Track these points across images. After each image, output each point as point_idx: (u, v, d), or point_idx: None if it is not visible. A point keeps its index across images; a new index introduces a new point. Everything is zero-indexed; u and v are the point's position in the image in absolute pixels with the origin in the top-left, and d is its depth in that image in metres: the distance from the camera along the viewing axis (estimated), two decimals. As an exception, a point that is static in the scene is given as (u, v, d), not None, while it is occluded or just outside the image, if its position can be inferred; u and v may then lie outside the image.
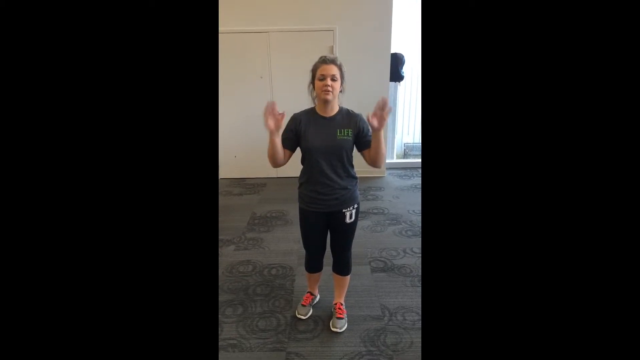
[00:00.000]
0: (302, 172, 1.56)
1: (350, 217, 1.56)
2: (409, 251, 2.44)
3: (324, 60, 1.41)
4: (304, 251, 1.72)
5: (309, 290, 1.87)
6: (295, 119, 1.51)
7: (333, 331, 1.69)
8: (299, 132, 1.49)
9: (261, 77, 3.83)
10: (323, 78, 1.40)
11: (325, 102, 1.44)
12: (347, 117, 1.51)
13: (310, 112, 1.51)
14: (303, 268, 1.81)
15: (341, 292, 1.79)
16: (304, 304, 1.82)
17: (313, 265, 1.73)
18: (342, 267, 1.70)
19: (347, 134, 1.48)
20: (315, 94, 1.47)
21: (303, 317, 1.78)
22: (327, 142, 1.47)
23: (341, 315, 1.73)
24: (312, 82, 1.46)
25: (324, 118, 1.48)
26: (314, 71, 1.44)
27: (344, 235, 1.61)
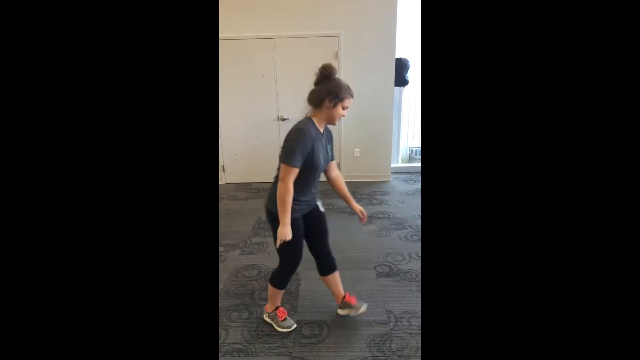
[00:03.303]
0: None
1: (322, 207, 1.69)
2: (415, 256, 2.42)
3: (351, 94, 1.48)
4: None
5: (280, 305, 1.80)
6: (310, 137, 1.43)
7: (358, 315, 1.75)
8: (312, 150, 1.45)
9: (262, 75, 3.85)
10: (345, 108, 1.48)
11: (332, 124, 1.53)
12: (329, 134, 1.61)
13: (313, 126, 1.47)
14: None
15: (340, 285, 1.80)
16: (283, 318, 1.77)
17: (290, 278, 1.71)
18: (331, 263, 1.73)
19: (331, 150, 1.61)
20: (327, 111, 1.46)
21: (292, 328, 1.75)
22: (326, 160, 1.55)
23: (355, 300, 1.78)
24: (332, 100, 1.43)
25: (320, 133, 1.51)
26: (340, 97, 1.43)
27: (324, 225, 1.68)
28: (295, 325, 1.76)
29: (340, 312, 1.83)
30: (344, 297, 1.79)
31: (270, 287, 1.72)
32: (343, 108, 1.46)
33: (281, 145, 1.47)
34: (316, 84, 1.48)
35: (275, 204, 1.48)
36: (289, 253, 1.60)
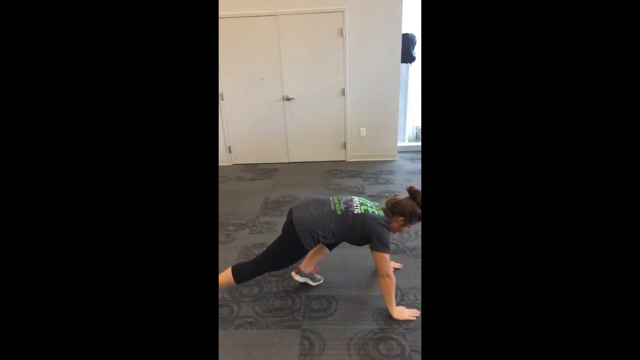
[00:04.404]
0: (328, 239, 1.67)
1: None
2: (420, 234, 2.45)
3: (419, 220, 1.68)
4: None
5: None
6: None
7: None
8: None
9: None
10: (409, 228, 1.73)
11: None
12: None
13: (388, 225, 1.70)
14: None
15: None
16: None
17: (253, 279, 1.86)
18: None
19: None
20: (395, 223, 1.69)
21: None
22: None
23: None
24: (404, 220, 1.65)
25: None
26: (410, 221, 1.66)
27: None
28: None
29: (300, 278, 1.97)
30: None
31: (230, 275, 1.67)
32: (407, 227, 1.70)
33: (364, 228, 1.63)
34: (401, 199, 1.70)
35: (307, 231, 1.60)
36: (279, 261, 1.69)
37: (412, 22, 3.96)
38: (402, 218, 1.65)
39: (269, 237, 2.50)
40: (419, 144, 4.49)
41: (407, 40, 3.94)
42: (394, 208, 1.67)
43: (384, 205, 1.73)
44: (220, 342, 1.58)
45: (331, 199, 1.71)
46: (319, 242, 1.64)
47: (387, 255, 1.61)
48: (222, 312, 1.78)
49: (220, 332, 1.65)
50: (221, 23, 3.67)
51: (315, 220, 1.60)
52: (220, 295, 1.88)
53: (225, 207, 3.02)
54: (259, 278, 2.03)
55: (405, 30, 3.78)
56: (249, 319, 1.72)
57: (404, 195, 1.72)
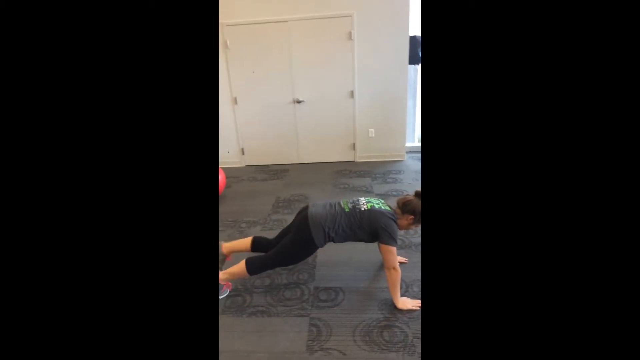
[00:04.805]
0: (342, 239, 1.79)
1: None
2: (427, 230, 2.51)
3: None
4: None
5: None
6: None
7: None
8: None
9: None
10: (416, 227, 1.82)
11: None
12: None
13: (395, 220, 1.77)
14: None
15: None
16: (224, 290, 1.95)
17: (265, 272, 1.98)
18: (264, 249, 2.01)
19: None
20: (404, 220, 1.77)
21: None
22: None
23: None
24: (413, 219, 1.73)
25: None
26: (419, 220, 1.72)
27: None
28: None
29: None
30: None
31: (244, 266, 1.81)
32: (415, 227, 1.79)
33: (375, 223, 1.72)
34: (412, 198, 1.75)
35: (319, 226, 1.72)
36: (289, 257, 1.82)
37: (419, 24, 4.03)
38: (412, 217, 1.73)
39: (280, 234, 2.60)
40: (428, 144, 4.52)
41: (415, 42, 4.00)
42: (404, 207, 1.75)
43: (392, 204, 1.82)
44: (233, 329, 1.69)
45: (340, 200, 1.86)
46: (329, 238, 1.74)
47: (394, 249, 1.69)
48: (236, 301, 1.89)
49: (233, 319, 1.76)
50: (234, 30, 3.83)
51: (326, 218, 1.73)
52: (234, 286, 2.00)
53: (238, 206, 3.15)
54: (270, 271, 2.13)
55: (412, 32, 3.86)
56: (260, 308, 1.83)
57: (412, 195, 1.79)
